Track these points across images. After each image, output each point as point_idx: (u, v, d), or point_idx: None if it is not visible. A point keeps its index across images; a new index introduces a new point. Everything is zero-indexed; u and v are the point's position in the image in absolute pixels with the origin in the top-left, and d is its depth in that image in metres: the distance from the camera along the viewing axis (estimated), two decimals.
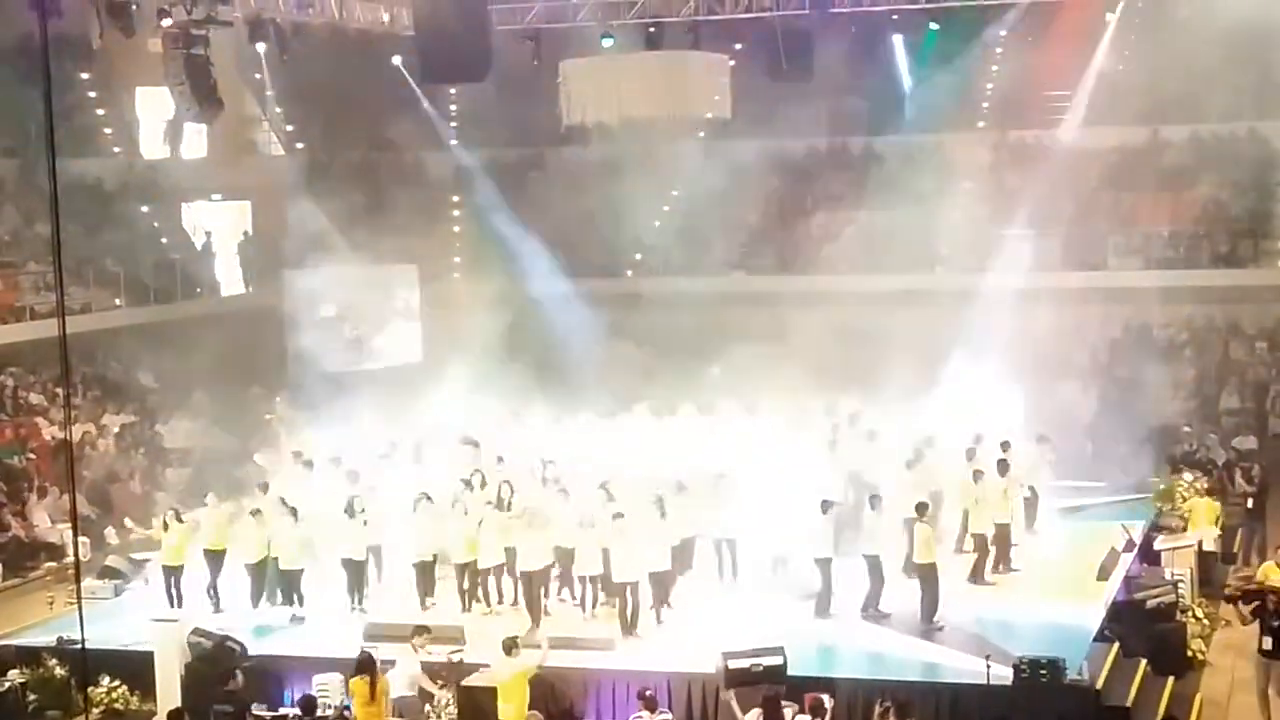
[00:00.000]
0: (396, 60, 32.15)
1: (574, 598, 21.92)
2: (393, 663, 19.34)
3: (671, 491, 22.34)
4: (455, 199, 38.60)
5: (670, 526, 21.68)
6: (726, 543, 22.51)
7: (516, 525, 21.90)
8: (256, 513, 22.81)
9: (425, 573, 22.43)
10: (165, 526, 22.93)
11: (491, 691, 18.77)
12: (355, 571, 22.45)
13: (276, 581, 22.52)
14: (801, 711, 17.68)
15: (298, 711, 18.29)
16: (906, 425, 25.35)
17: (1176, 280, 33.73)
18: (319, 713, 18.65)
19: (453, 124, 39.45)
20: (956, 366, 26.97)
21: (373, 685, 18.30)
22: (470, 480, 23.52)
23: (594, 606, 21.61)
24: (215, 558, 22.91)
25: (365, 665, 18.52)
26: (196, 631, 20.42)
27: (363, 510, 22.56)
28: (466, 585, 22.21)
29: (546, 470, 24.16)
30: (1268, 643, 19.05)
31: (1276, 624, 19.08)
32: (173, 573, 22.63)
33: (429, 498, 22.77)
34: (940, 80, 35.35)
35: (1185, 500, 25.54)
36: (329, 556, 22.64)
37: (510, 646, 18.72)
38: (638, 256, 37.35)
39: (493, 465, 24.39)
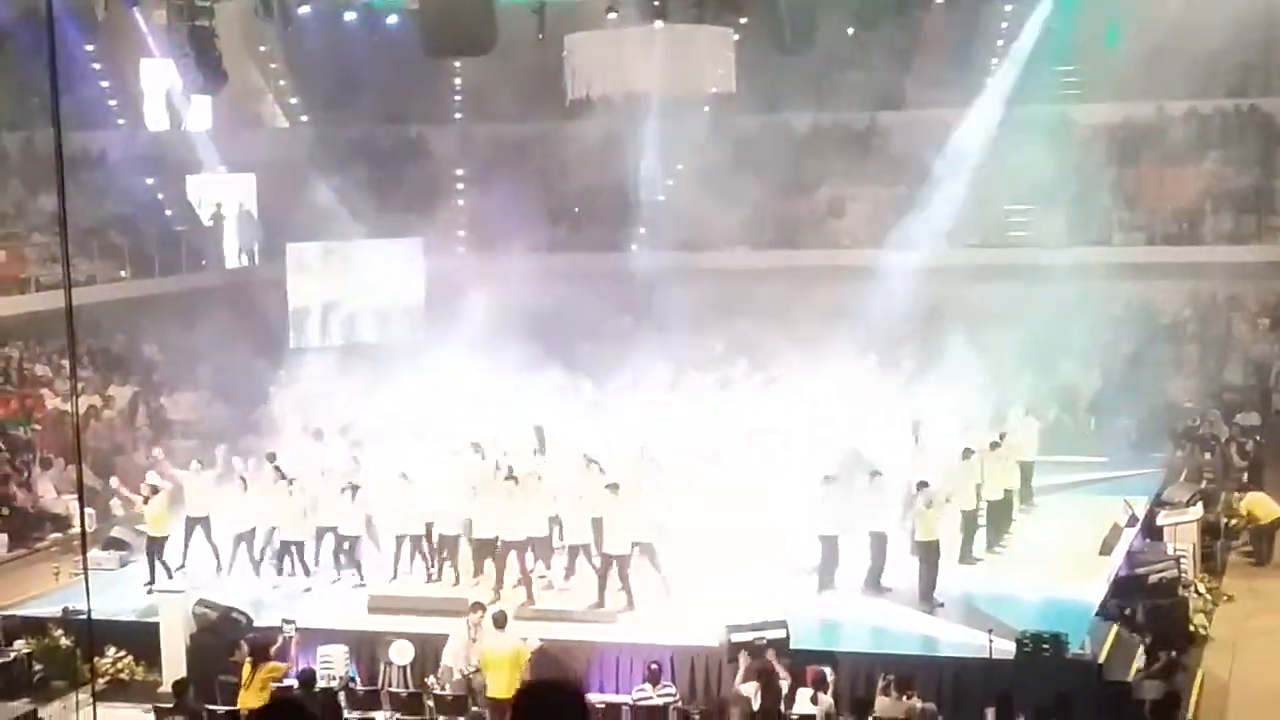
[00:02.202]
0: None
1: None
2: (445, 637, 19.33)
3: (676, 465, 22.38)
4: (459, 172, 38.56)
5: (670, 499, 21.66)
6: (726, 516, 22.42)
7: (531, 493, 21.73)
8: (242, 480, 22.98)
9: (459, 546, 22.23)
10: (145, 499, 22.92)
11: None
12: (414, 544, 22.36)
13: (279, 551, 22.57)
14: (804, 685, 17.72)
15: (295, 683, 18.33)
16: (908, 401, 25.34)
17: (1180, 256, 33.71)
18: (322, 684, 18.75)
19: (457, 97, 39.38)
20: (960, 341, 26.98)
21: (254, 668, 18.27)
22: (475, 449, 23.60)
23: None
24: (199, 524, 22.94)
25: (253, 648, 18.56)
26: (202, 602, 20.51)
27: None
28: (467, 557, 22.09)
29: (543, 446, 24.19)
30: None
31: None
32: (157, 543, 22.64)
33: (405, 475, 22.78)
34: (944, 55, 35.27)
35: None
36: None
37: (502, 620, 18.72)
38: (641, 230, 37.32)
39: (493, 438, 24.38)
